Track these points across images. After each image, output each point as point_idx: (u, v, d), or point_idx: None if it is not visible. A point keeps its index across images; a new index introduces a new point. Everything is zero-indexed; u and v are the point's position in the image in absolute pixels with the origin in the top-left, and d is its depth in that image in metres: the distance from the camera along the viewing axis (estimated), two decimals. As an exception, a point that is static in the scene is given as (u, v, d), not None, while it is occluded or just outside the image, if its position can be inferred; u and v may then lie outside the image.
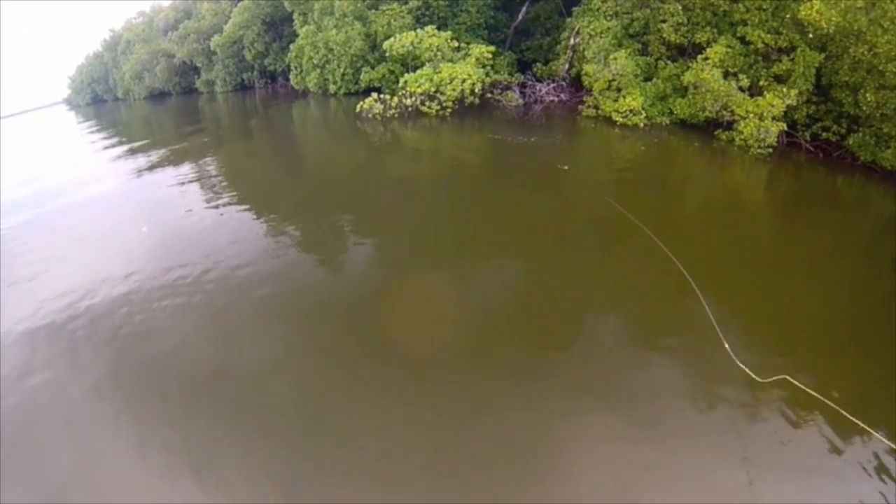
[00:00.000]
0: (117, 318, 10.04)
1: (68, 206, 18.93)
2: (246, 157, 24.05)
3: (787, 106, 21.95)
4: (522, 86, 27.27)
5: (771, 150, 21.64)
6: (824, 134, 23.48)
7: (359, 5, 34.74)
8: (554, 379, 7.88)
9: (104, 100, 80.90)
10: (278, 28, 46.35)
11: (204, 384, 8.04)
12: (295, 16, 39.39)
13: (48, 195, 20.88)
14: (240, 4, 46.20)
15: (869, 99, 21.13)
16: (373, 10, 34.15)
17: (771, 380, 8.24)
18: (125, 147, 30.24)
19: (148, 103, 61.14)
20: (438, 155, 20.80)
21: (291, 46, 39.63)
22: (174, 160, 23.80)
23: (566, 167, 17.99)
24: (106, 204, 18.43)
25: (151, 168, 22.71)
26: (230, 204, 15.79)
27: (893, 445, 7.47)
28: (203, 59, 53.88)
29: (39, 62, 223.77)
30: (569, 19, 26.99)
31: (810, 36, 21.91)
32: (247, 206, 15.39)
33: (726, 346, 8.79)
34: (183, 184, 18.90)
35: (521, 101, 26.18)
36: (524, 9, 28.86)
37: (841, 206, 21.06)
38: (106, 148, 31.25)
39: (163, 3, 68.24)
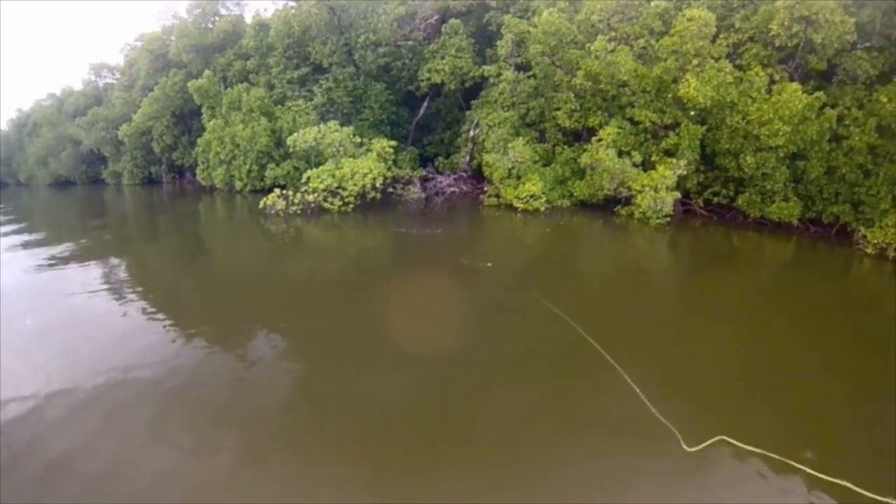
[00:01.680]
0: (9, 425, 9.28)
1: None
2: (150, 257, 23.27)
3: (679, 176, 24.30)
4: (424, 179, 28.23)
5: (669, 219, 23.50)
6: (715, 198, 26.02)
7: (265, 101, 35.33)
8: (476, 473, 7.85)
9: (5, 183, 77.22)
10: (187, 121, 46.04)
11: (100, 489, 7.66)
12: (203, 109, 39.47)
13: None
14: (150, 95, 46.16)
15: (749, 161, 23.91)
16: (279, 106, 34.85)
17: (708, 443, 8.51)
18: (23, 237, 27.83)
19: (52, 191, 58.71)
20: (342, 252, 21.10)
21: (199, 141, 39.06)
22: (77, 257, 22.25)
23: (463, 260, 18.43)
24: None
25: (52, 264, 21.04)
26: (129, 303, 15.10)
27: (850, 486, 7.87)
28: (111, 149, 52.88)
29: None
30: (468, 112, 28.63)
31: (691, 112, 24.78)
32: (147, 309, 14.78)
33: (658, 415, 9.05)
34: (86, 284, 17.62)
35: (422, 195, 27.13)
36: (425, 104, 30.42)
37: (740, 261, 23.08)
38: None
39: (74, 86, 67.06)
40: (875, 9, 24.50)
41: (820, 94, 24.04)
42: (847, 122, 24.02)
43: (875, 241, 21.45)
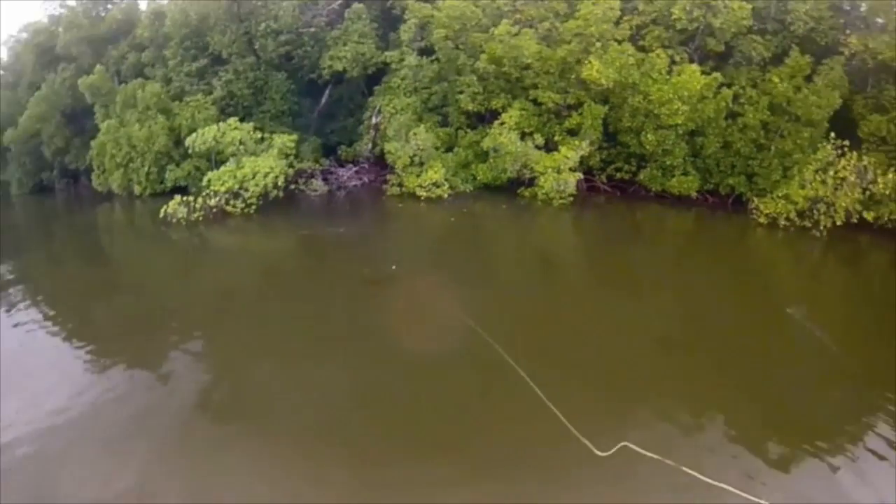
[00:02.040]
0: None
1: None
2: (47, 275, 21.54)
3: (582, 155, 24.14)
4: (326, 172, 26.95)
5: (572, 198, 23.40)
6: (618, 174, 26.44)
7: (162, 97, 32.76)
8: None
9: None
10: (80, 121, 41.96)
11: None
12: (96, 108, 36.08)
13: None
14: (36, 94, 41.51)
15: (650, 139, 24.34)
16: (177, 102, 32.49)
17: (613, 451, 8.52)
18: None
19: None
20: (247, 263, 19.93)
21: (92, 143, 35.66)
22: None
23: (366, 270, 17.56)
24: None
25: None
26: (31, 323, 14.14)
27: (742, 494, 7.96)
28: (-6, 156, 46.73)
29: None
30: (370, 99, 27.50)
31: (594, 92, 24.84)
32: (48, 326, 14.04)
33: (564, 421, 8.99)
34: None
35: (325, 189, 25.75)
36: (327, 92, 29.17)
37: (644, 236, 23.30)
38: None
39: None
40: None
41: (717, 74, 24.82)
42: (742, 101, 24.98)
43: (767, 212, 22.64)
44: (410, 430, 9.24)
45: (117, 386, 10.84)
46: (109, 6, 40.74)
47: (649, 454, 8.31)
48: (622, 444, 8.52)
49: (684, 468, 8.06)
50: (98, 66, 35.01)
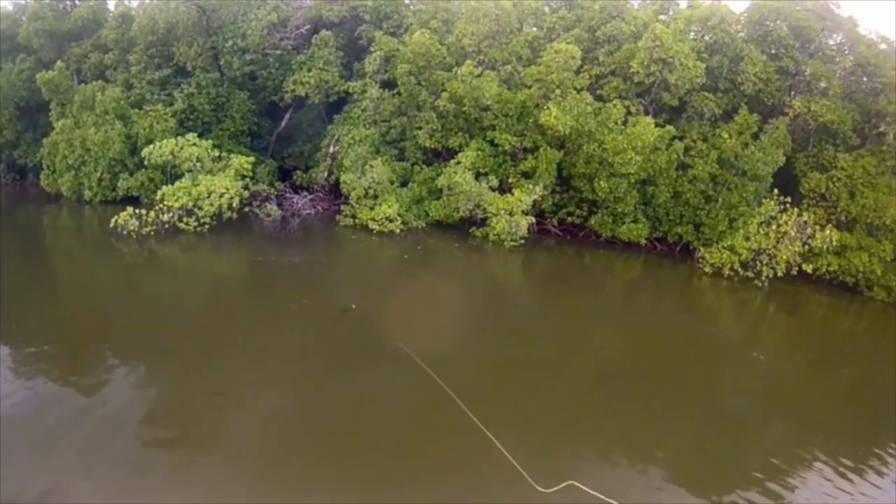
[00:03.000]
0: None
1: None
2: None
3: (535, 198, 24.62)
4: (280, 197, 26.90)
5: (523, 240, 23.81)
6: (569, 218, 27.01)
7: (122, 103, 31.97)
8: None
9: None
10: (33, 116, 40.49)
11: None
12: (52, 105, 34.85)
13: None
14: (-10, 84, 39.57)
15: (603, 186, 24.94)
16: (136, 110, 31.63)
17: (558, 488, 8.72)
18: None
19: None
20: (199, 286, 19.45)
21: (44, 141, 34.45)
22: None
23: (318, 303, 17.42)
24: None
25: None
26: None
27: None
28: (-63, 145, 44.47)
29: None
30: (330, 126, 27.52)
31: (550, 137, 25.33)
32: None
33: (511, 460, 9.19)
34: None
35: (279, 214, 25.63)
36: (287, 115, 29.12)
37: (592, 281, 23.95)
38: None
39: None
40: (724, 57, 26.89)
41: (670, 127, 25.88)
42: (693, 154, 26.11)
43: (713, 261, 23.75)
44: (354, 460, 9.39)
45: (44, 393, 10.69)
46: (77, 2, 39.60)
47: (593, 492, 8.67)
48: (568, 482, 8.80)
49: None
50: (58, 63, 33.92)
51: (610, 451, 10.31)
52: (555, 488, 8.64)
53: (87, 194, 32.05)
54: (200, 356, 12.83)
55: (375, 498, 8.57)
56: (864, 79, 27.03)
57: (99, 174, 31.21)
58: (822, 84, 27.03)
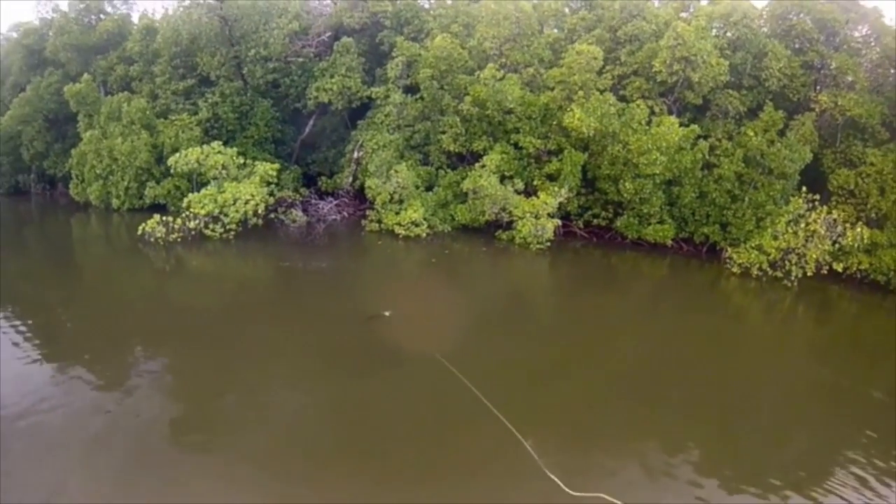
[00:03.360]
0: None
1: None
2: (16, 282, 20.53)
3: (560, 200, 24.50)
4: (306, 202, 27.07)
5: (549, 242, 23.65)
6: (595, 220, 26.87)
7: (147, 113, 32.68)
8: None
9: None
10: (62, 127, 41.60)
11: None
12: (80, 117, 35.78)
13: None
14: (20, 96, 41.06)
15: (628, 187, 24.82)
16: (161, 120, 32.35)
17: (587, 495, 8.63)
18: None
19: None
20: (226, 288, 19.73)
21: (73, 151, 35.29)
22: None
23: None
24: None
25: None
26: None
27: None
28: (-28, 155, 45.68)
29: None
30: (353, 132, 27.74)
31: (574, 139, 25.30)
32: (10, 333, 13.90)
33: (551, 475, 9.06)
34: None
35: (304, 220, 25.90)
36: (311, 122, 29.38)
37: (619, 282, 23.75)
38: None
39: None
40: (747, 53, 26.59)
41: (695, 126, 25.54)
42: (718, 153, 25.73)
43: (740, 262, 23.36)
44: (386, 462, 9.49)
45: (81, 398, 10.94)
46: (102, 16, 40.62)
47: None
48: (598, 495, 8.63)
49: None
50: (85, 75, 34.77)
51: (640, 456, 10.18)
52: (583, 493, 8.56)
53: (115, 203, 32.84)
54: (228, 358, 13.00)
55: (403, 496, 8.68)
56: (892, 71, 26.52)
57: (126, 183, 31.99)
58: (849, 78, 26.45)
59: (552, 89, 26.05)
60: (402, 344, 13.92)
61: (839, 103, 25.19)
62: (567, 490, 8.57)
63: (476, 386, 11.25)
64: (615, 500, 8.51)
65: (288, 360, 12.99)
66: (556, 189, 24.70)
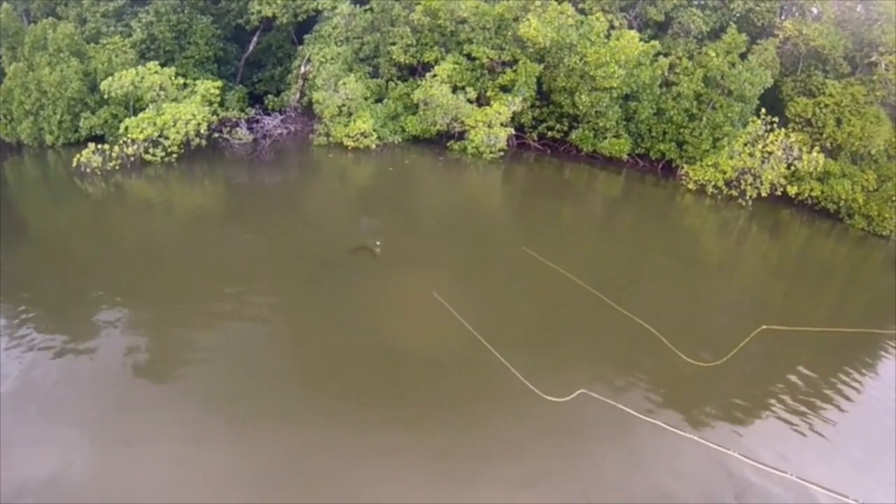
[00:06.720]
0: None
1: None
2: None
3: (514, 112, 24.00)
4: (251, 121, 25.94)
5: (503, 153, 23.27)
6: (549, 133, 26.35)
7: (76, 38, 30.11)
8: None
9: None
10: (-16, 64, 38.15)
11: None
12: (2, 50, 32.71)
13: None
14: (-68, 29, 37.24)
15: (584, 100, 24.18)
16: (92, 45, 29.93)
17: (571, 397, 9.16)
18: None
19: None
20: (173, 214, 18.88)
21: (-1, 89, 32.65)
22: None
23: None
24: None
25: None
26: None
27: (691, 436, 8.85)
28: None
29: None
30: (300, 47, 26.31)
31: (530, 50, 24.41)
32: None
33: (529, 384, 9.45)
34: None
35: (250, 138, 24.73)
36: (255, 39, 27.71)
37: (574, 195, 23.81)
38: None
39: None
40: None
41: (655, 42, 25.07)
42: (678, 71, 25.29)
43: (696, 179, 23.44)
44: (378, 383, 9.66)
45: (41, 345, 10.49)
46: (23, -66, 37.29)
47: (604, 399, 9.17)
48: (580, 391, 9.22)
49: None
50: (4, 3, 31.73)
51: (610, 359, 10.79)
52: (567, 398, 9.04)
53: (49, 139, 30.34)
54: (185, 294, 12.62)
55: (395, 415, 9.02)
56: (859, 6, 26.22)
57: (59, 116, 29.54)
58: (815, 9, 26.28)
59: (508, -1, 24.96)
60: (372, 259, 13.91)
61: (803, 32, 24.86)
62: (550, 398, 9.13)
63: (448, 301, 11.51)
64: (595, 394, 9.23)
65: (254, 283, 12.98)
66: (510, 98, 24.02)
